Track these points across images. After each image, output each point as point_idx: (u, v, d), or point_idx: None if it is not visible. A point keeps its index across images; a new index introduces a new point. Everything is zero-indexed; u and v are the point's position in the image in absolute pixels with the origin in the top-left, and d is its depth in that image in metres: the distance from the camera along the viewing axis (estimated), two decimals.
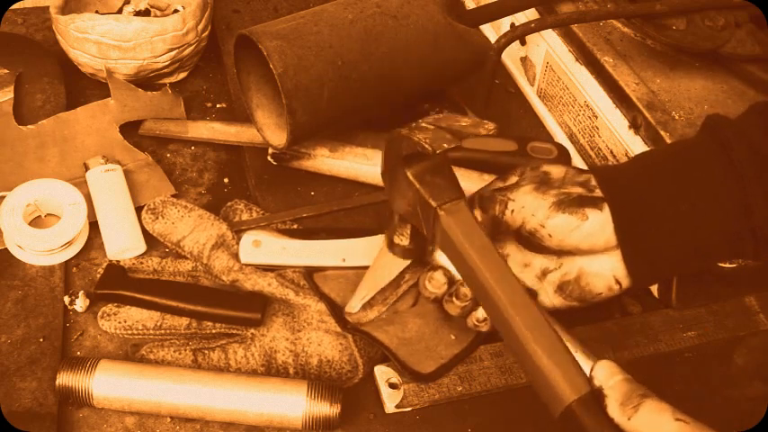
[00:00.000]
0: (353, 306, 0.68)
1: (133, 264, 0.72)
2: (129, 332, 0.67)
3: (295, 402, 0.61)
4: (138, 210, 0.76)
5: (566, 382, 0.49)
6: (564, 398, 0.48)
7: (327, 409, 0.61)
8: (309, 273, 0.72)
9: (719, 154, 0.62)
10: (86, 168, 0.77)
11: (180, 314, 0.68)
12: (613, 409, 0.47)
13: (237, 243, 0.73)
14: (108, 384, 0.62)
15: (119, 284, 0.69)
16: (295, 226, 0.77)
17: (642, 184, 0.63)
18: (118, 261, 0.72)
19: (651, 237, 0.62)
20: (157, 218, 0.74)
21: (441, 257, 0.67)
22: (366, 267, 0.71)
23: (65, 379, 0.62)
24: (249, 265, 0.71)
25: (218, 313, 0.67)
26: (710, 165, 0.62)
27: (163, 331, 0.67)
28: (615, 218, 0.62)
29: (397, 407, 0.64)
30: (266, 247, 0.72)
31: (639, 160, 0.68)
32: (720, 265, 0.70)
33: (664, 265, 0.64)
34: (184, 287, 0.70)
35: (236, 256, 0.72)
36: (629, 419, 0.46)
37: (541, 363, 0.50)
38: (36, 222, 0.75)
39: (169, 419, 0.63)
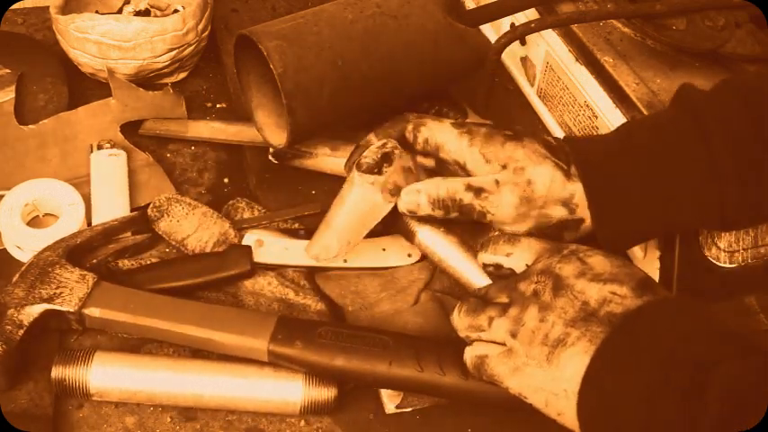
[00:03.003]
0: (332, 249, 0.68)
1: (132, 265, 0.72)
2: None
3: (293, 387, 0.62)
4: (137, 209, 0.76)
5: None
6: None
7: (325, 393, 0.62)
8: (311, 273, 0.72)
9: (692, 126, 0.63)
10: (91, 150, 0.78)
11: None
12: None
13: (239, 241, 0.73)
14: (104, 375, 0.62)
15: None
16: (296, 225, 0.77)
17: (616, 159, 0.64)
18: (116, 263, 0.72)
19: (623, 212, 0.64)
20: (162, 215, 0.75)
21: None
22: (369, 269, 0.71)
23: (60, 372, 0.62)
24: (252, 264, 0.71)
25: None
26: (683, 136, 0.63)
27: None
28: (589, 196, 0.63)
29: (397, 407, 0.64)
30: (269, 247, 0.72)
31: (615, 134, 0.68)
32: (720, 264, 0.70)
33: (634, 233, 0.66)
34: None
35: None
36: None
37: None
38: (34, 222, 0.75)
39: (169, 419, 0.63)
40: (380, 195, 0.67)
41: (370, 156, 0.68)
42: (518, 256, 0.62)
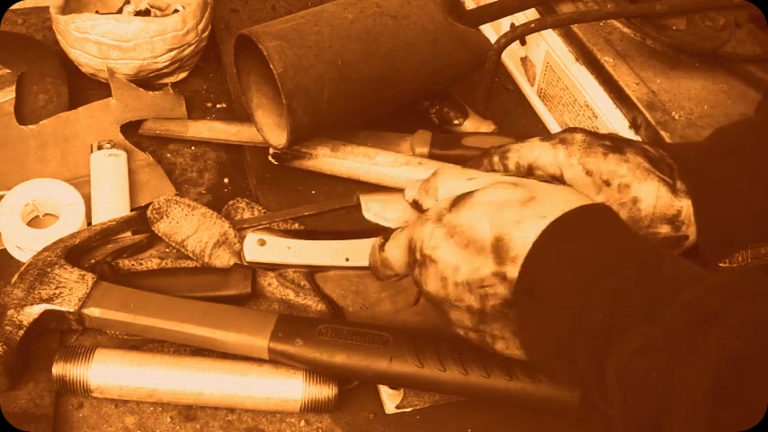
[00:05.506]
0: None
1: (132, 265, 0.72)
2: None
3: (293, 385, 0.62)
4: (137, 209, 0.76)
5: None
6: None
7: (325, 390, 0.62)
8: (311, 273, 0.72)
9: None
10: (91, 150, 0.78)
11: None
12: None
13: (240, 241, 0.73)
14: (105, 372, 0.62)
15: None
16: (296, 225, 0.77)
17: (719, 169, 0.61)
18: (117, 262, 0.72)
19: (730, 227, 0.61)
20: (162, 217, 0.74)
21: None
22: (370, 268, 0.71)
23: (61, 368, 0.62)
24: (253, 263, 0.71)
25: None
26: None
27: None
28: (697, 214, 0.60)
29: (397, 407, 0.64)
30: (271, 246, 0.72)
31: (710, 142, 0.65)
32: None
33: (737, 245, 0.65)
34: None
35: (237, 255, 0.72)
36: None
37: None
38: (34, 222, 0.75)
39: (169, 419, 0.63)
40: None
41: None
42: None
